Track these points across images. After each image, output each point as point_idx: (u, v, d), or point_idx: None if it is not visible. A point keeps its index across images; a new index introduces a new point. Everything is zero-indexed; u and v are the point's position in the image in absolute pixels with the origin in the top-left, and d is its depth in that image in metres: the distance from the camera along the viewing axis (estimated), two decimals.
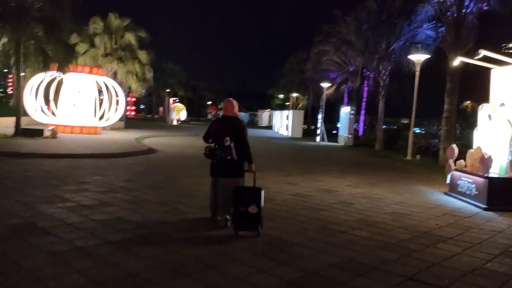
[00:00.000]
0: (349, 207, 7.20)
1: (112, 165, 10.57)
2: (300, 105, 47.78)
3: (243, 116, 53.70)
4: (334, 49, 24.54)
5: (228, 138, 5.02)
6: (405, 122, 37.32)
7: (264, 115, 60.15)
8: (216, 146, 5.09)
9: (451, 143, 15.20)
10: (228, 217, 5.16)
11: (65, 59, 16.43)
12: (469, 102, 45.10)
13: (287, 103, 52.88)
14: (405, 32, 19.70)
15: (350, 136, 23.79)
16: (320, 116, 26.43)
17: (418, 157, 16.84)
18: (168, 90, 56.54)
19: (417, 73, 16.48)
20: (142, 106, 71.67)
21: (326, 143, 25.24)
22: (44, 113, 19.77)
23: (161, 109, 58.74)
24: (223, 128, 5.23)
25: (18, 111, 15.92)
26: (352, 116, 23.83)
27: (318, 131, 26.29)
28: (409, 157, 16.59)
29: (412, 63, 19.47)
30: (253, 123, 60.74)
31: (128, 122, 29.81)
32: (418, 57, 16.54)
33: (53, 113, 20.27)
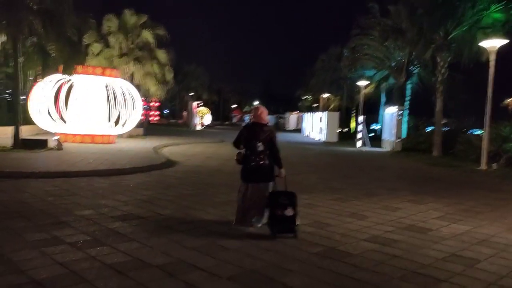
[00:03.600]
0: (475, 268, 4.39)
1: (113, 188, 8.09)
2: (331, 106, 44.70)
3: (269, 118, 48.68)
4: (380, 40, 21.33)
5: (260, 144, 5.24)
6: (444, 121, 33.70)
7: (291, 118, 57.16)
8: (249, 152, 5.29)
9: None
10: (257, 220, 5.33)
11: (70, 58, 14.23)
12: (511, 99, 40.16)
13: (315, 105, 49.79)
14: (468, 16, 16.50)
15: (398, 140, 20.58)
16: (361, 118, 23.38)
17: (495, 166, 13.67)
18: (191, 94, 54.43)
19: (492, 63, 13.35)
20: (166, 111, 69.91)
21: (369, 148, 22.15)
22: (53, 119, 17.64)
23: (185, 113, 56.70)
24: (254, 134, 5.34)
25: (16, 119, 13.70)
26: (400, 117, 20.64)
27: (359, 135, 23.20)
28: (483, 166, 13.47)
29: (477, 53, 16.40)
30: (279, 127, 53.35)
31: (149, 128, 27.69)
32: (492, 43, 13.37)
33: (62, 119, 18.06)
